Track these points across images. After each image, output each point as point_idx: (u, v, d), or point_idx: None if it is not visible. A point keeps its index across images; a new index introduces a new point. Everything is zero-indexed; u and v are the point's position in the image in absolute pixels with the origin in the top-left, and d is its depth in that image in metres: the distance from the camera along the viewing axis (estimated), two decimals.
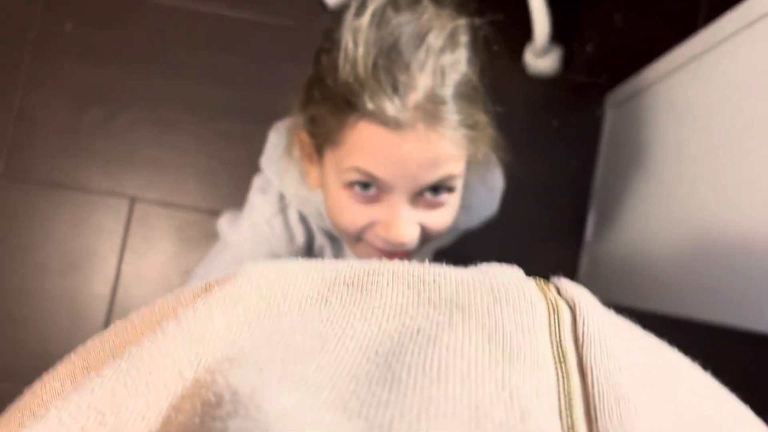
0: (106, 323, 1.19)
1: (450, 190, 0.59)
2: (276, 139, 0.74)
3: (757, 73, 0.75)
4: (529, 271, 0.98)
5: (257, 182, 0.76)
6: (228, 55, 1.23)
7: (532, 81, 1.23)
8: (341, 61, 0.54)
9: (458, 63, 0.56)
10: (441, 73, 0.54)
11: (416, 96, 0.53)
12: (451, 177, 0.57)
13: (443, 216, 0.60)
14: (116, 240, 1.20)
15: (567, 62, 1.23)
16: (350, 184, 0.57)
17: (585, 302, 0.23)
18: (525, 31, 1.20)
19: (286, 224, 0.72)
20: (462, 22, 0.58)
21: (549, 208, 1.22)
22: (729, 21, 0.81)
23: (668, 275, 0.90)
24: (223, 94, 1.22)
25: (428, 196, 0.58)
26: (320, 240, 0.74)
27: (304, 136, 0.63)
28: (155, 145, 1.22)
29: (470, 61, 0.57)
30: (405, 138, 0.53)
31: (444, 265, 0.26)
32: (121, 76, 1.22)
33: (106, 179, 1.21)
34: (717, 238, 0.79)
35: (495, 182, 0.80)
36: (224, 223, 0.78)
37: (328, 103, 0.56)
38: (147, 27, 1.23)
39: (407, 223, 0.57)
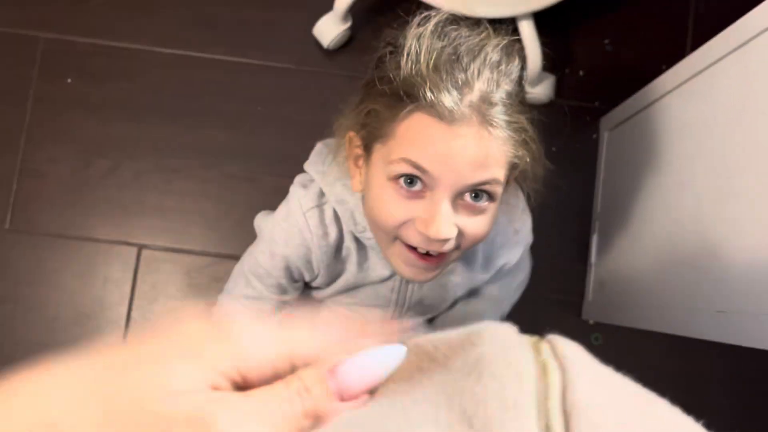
0: None
1: (491, 197, 0.61)
2: (321, 148, 0.78)
3: (745, 92, 0.77)
4: (538, 299, 1.01)
5: (299, 178, 0.78)
6: (228, 100, 1.25)
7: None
8: (404, 59, 0.58)
9: (510, 75, 0.59)
10: (495, 80, 0.58)
11: (471, 96, 0.56)
12: (494, 181, 0.59)
13: (481, 223, 0.62)
14: (125, 288, 1.21)
15: (561, 89, 1.26)
16: (396, 178, 0.59)
17: (577, 365, 0.23)
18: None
19: (321, 219, 0.74)
20: (516, 41, 0.63)
21: (553, 233, 1.24)
22: (718, 43, 0.84)
23: (671, 294, 0.92)
24: (226, 138, 1.25)
25: (469, 199, 0.60)
26: (348, 244, 0.76)
27: (354, 135, 0.66)
28: (161, 193, 1.23)
29: (520, 77, 0.61)
30: (457, 132, 0.56)
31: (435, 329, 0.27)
32: (123, 127, 1.24)
33: (113, 229, 1.22)
34: (716, 255, 0.80)
35: (522, 227, 0.83)
36: (260, 217, 0.82)
37: (386, 97, 0.59)
38: (147, 76, 1.26)
39: (447, 219, 0.59)
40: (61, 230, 1.22)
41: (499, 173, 0.59)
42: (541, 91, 1.21)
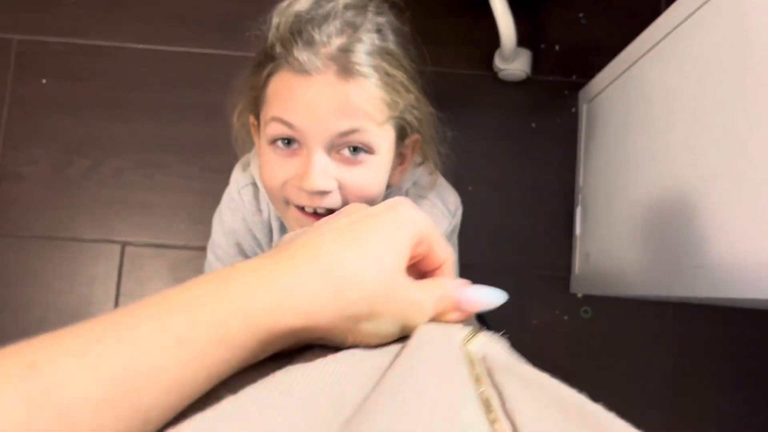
0: None
1: (369, 150, 0.62)
2: None
3: (713, 49, 0.78)
4: (526, 275, 1.01)
5: (242, 159, 0.81)
6: (206, 93, 1.26)
7: (506, 86, 1.26)
8: (270, 29, 0.63)
9: (369, 27, 0.62)
10: (352, 32, 0.60)
11: (328, 49, 0.59)
12: (363, 131, 0.60)
13: (363, 175, 0.63)
14: (111, 286, 1.21)
15: (537, 64, 1.27)
16: (273, 141, 0.62)
17: (511, 387, 0.25)
18: (493, 38, 1.23)
19: (255, 195, 0.77)
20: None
21: (538, 209, 1.24)
22: (684, 3, 0.84)
23: (652, 257, 0.92)
24: (205, 131, 1.25)
25: (346, 153, 0.61)
26: (273, 222, 0.79)
27: (252, 118, 0.70)
28: (143, 189, 1.24)
29: (384, 30, 0.64)
30: (313, 82, 0.58)
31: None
32: (102, 125, 1.25)
33: (96, 227, 1.23)
34: (692, 212, 0.80)
35: (437, 200, 0.81)
36: (234, 170, 0.84)
37: (256, 66, 0.64)
38: (122, 73, 1.26)
39: (320, 170, 0.60)
40: (44, 231, 1.22)
41: (368, 122, 0.60)
42: (517, 66, 1.22)
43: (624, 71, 1.05)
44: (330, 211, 0.63)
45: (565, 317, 1.21)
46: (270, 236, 0.79)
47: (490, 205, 1.24)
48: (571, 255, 1.22)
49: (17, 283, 1.21)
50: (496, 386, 0.25)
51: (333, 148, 0.61)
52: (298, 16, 0.60)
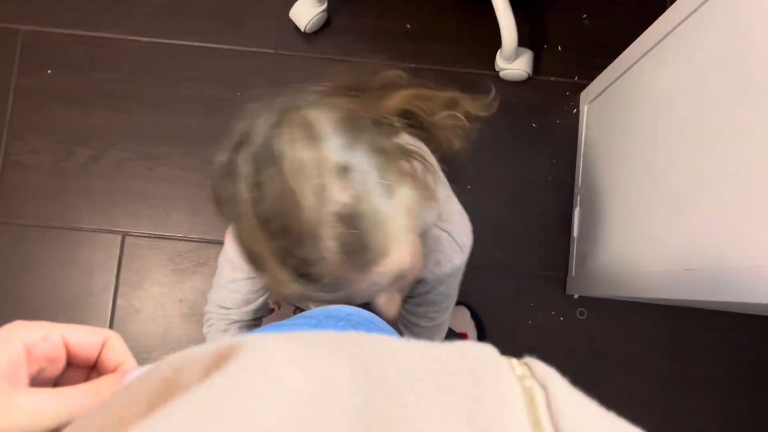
0: None
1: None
2: None
3: (710, 51, 0.78)
4: (522, 276, 1.02)
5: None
6: (207, 86, 1.27)
7: (507, 85, 1.27)
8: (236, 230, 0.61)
9: (357, 190, 0.56)
10: (344, 220, 0.55)
11: (327, 267, 0.56)
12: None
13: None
14: (110, 276, 1.23)
15: (539, 65, 1.27)
16: None
17: (557, 383, 0.25)
18: (494, 39, 1.24)
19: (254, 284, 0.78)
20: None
21: (536, 210, 1.25)
22: (684, 3, 0.85)
23: (646, 259, 0.92)
24: (206, 124, 1.26)
25: None
26: None
27: None
28: (143, 180, 1.25)
29: (369, 177, 0.56)
30: None
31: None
32: (104, 116, 1.26)
33: (96, 217, 1.24)
34: (686, 214, 0.81)
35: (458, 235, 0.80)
36: (227, 235, 0.82)
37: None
38: (126, 65, 1.27)
39: None
40: (45, 221, 1.24)
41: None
42: (518, 66, 1.22)
43: (624, 72, 1.06)
44: None
45: (561, 318, 1.21)
46: None
47: (488, 204, 1.25)
48: (568, 256, 1.22)
49: (17, 273, 1.23)
50: (540, 383, 0.25)
51: None
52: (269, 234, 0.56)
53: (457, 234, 0.78)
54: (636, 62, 1.02)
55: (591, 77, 1.25)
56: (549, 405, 0.23)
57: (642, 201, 0.97)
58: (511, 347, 1.20)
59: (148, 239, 1.24)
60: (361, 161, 0.54)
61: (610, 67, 1.13)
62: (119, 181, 1.25)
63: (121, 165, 1.26)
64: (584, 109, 1.23)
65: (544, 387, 0.24)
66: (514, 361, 0.27)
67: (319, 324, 0.57)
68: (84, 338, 0.34)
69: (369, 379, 0.24)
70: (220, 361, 0.23)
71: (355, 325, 0.57)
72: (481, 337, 1.18)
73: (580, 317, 1.21)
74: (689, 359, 1.20)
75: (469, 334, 1.17)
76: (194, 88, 1.27)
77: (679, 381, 1.20)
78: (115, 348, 0.35)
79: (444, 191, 0.80)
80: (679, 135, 0.87)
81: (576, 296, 1.21)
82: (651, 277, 0.89)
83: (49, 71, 1.26)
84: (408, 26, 1.29)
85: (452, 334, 1.15)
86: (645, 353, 1.20)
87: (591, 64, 1.27)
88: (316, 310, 0.59)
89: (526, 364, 0.27)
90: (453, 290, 0.85)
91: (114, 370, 0.35)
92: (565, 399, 0.24)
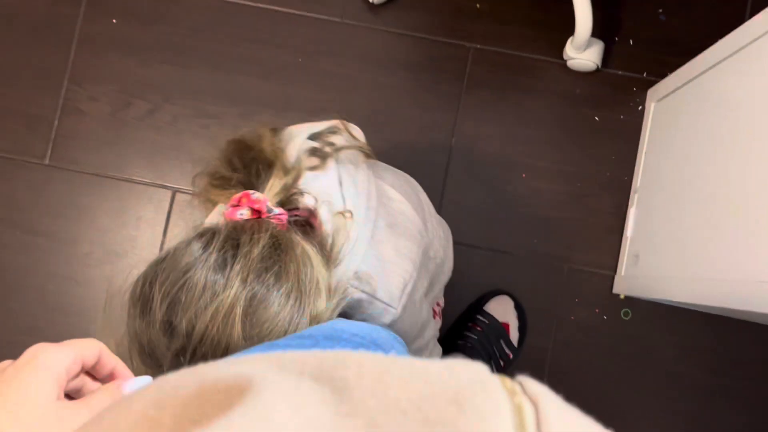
0: None
1: None
2: None
3: None
4: (569, 270, 1.01)
5: None
6: (270, 49, 1.27)
7: (573, 75, 1.25)
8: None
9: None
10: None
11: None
12: None
13: None
14: (158, 230, 1.25)
15: (608, 57, 1.25)
16: None
17: (548, 401, 0.24)
18: (566, 26, 1.22)
19: None
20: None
21: (589, 202, 1.24)
22: None
23: (710, 267, 0.91)
24: (264, 87, 1.26)
25: None
26: None
27: None
28: (197, 138, 1.26)
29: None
30: None
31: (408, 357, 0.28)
32: (164, 70, 1.27)
33: (149, 171, 1.26)
34: (760, 226, 0.80)
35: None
36: None
37: None
38: (191, 21, 1.28)
39: None
40: (98, 169, 1.26)
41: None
42: (588, 56, 1.20)
43: (700, 74, 1.03)
44: None
45: (604, 317, 1.21)
46: None
47: (541, 193, 1.24)
48: (619, 254, 1.21)
49: (67, 217, 1.25)
50: (531, 400, 0.25)
51: None
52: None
53: (382, 291, 0.70)
54: (713, 66, 1.00)
55: (661, 75, 1.23)
56: (538, 422, 0.23)
57: (707, 208, 0.95)
58: (551, 341, 1.20)
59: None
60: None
61: (684, 67, 1.11)
62: (174, 137, 1.26)
63: (177, 120, 1.27)
64: (651, 106, 1.21)
65: (535, 404, 0.24)
66: (506, 379, 0.27)
67: (316, 345, 0.56)
68: (92, 353, 0.42)
69: (354, 418, 0.23)
70: (216, 405, 0.22)
71: (357, 347, 0.57)
72: (523, 328, 1.18)
73: (624, 318, 1.20)
74: (731, 371, 1.19)
75: (511, 324, 1.17)
76: (256, 50, 1.27)
77: (718, 392, 1.19)
78: (106, 356, 0.44)
79: (366, 234, 0.70)
80: (754, 144, 0.85)
81: (622, 296, 1.20)
82: (715, 286, 0.88)
83: (114, 20, 1.27)
84: (478, 6, 1.27)
85: (495, 323, 1.15)
86: (686, 360, 1.20)
87: (662, 62, 1.24)
88: (314, 329, 0.59)
89: (518, 383, 0.26)
90: (409, 328, 0.78)
91: (108, 374, 0.45)
92: (557, 416, 0.23)
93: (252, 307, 0.58)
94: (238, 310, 0.57)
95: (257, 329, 0.58)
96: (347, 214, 0.68)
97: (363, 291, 0.69)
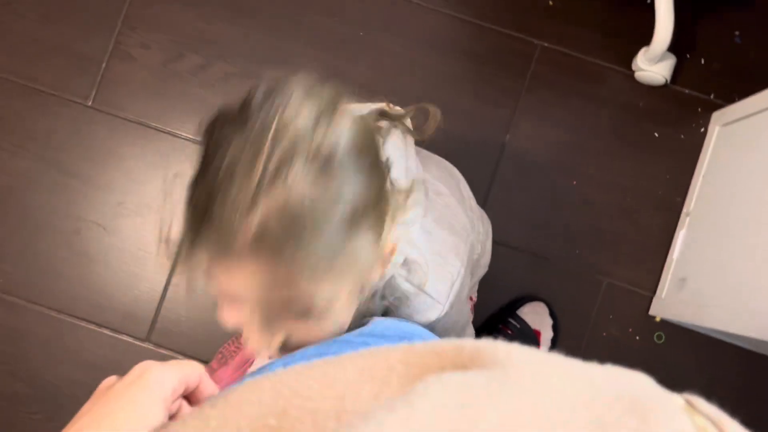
0: (171, 272, 1.21)
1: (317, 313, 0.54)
2: None
3: None
4: (607, 285, 0.99)
5: None
6: (333, 20, 1.24)
7: (639, 87, 1.23)
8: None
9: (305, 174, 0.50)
10: (279, 198, 0.49)
11: (242, 240, 0.50)
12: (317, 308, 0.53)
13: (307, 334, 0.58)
14: None
15: (677, 73, 1.23)
16: None
17: (730, 424, 0.23)
18: (639, 35, 1.19)
19: None
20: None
21: (638, 218, 1.22)
22: None
23: (761, 300, 0.89)
24: (321, 57, 1.24)
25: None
26: None
27: None
28: None
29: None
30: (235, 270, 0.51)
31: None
32: (222, 26, 1.25)
33: (192, 126, 1.24)
34: None
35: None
36: None
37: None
38: None
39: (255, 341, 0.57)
40: (141, 117, 1.24)
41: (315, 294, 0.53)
42: (658, 70, 1.18)
43: None
44: None
45: (637, 337, 1.19)
46: None
47: (590, 203, 1.22)
48: (660, 276, 1.19)
49: (104, 162, 1.23)
50: (711, 419, 0.24)
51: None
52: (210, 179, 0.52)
53: (430, 286, 0.68)
54: None
55: (729, 99, 1.20)
56: None
57: (763, 241, 0.93)
58: (580, 354, 1.19)
59: None
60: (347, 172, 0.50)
61: (756, 95, 1.08)
62: (222, 95, 1.24)
63: (228, 79, 1.25)
64: (714, 130, 1.19)
65: (719, 427, 0.23)
66: (675, 395, 0.26)
67: (366, 343, 0.55)
68: (195, 376, 0.42)
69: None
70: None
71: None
72: (555, 339, 1.16)
73: (657, 341, 1.19)
74: (760, 408, 1.18)
75: (543, 333, 1.15)
76: (318, 19, 1.25)
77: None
78: (205, 381, 0.43)
79: (419, 219, 0.66)
80: None
81: (658, 318, 1.18)
82: (759, 318, 0.86)
83: None
84: (551, 3, 1.24)
85: (527, 330, 1.14)
86: (715, 391, 1.18)
87: (733, 86, 1.22)
88: (349, 335, 0.56)
89: (687, 401, 0.25)
90: (451, 327, 0.75)
91: (205, 400, 0.43)
92: None
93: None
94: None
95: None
96: (408, 191, 0.64)
97: (411, 283, 0.66)
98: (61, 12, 1.25)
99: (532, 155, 1.23)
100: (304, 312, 0.53)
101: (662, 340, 1.19)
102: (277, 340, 0.57)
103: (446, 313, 0.70)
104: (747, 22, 1.24)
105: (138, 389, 0.38)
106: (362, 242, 0.53)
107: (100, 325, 1.20)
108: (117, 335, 1.20)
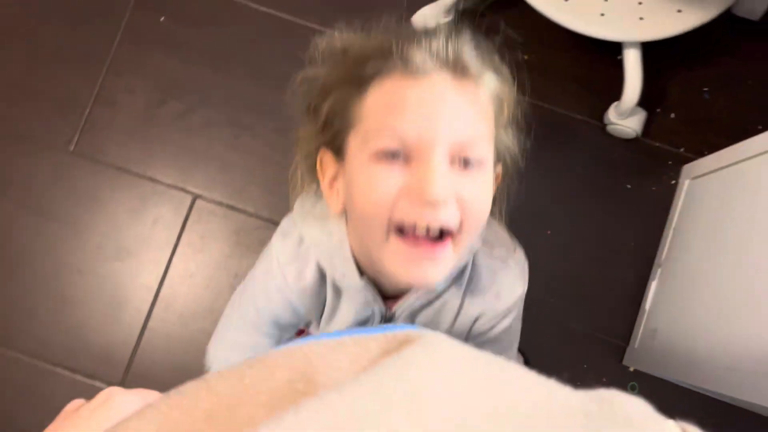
0: (148, 317, 1.22)
1: (479, 165, 0.56)
2: (305, 195, 0.75)
3: None
4: (581, 335, 0.99)
5: (282, 225, 0.75)
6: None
7: (612, 140, 1.27)
8: (353, 37, 0.62)
9: (474, 41, 0.59)
10: (457, 38, 0.57)
11: (440, 49, 0.55)
12: (480, 141, 0.56)
13: (479, 189, 0.57)
14: (173, 233, 1.24)
15: (648, 127, 1.27)
16: (378, 155, 0.55)
17: None
18: (610, 89, 1.23)
19: (300, 273, 0.70)
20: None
21: (611, 269, 1.24)
22: None
23: (732, 356, 0.91)
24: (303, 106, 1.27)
25: (459, 166, 0.55)
26: (330, 300, 0.72)
27: (324, 152, 0.64)
28: (227, 147, 1.27)
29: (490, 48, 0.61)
30: (430, 85, 0.54)
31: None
32: (204, 74, 1.28)
33: (173, 172, 1.26)
34: None
35: (508, 258, 0.75)
36: (273, 237, 0.76)
37: (347, 82, 0.59)
38: (238, 29, 1.29)
39: (442, 175, 0.53)
40: (122, 163, 1.26)
41: (484, 131, 0.57)
42: (629, 124, 1.22)
43: (743, 160, 1.05)
44: (440, 236, 0.56)
45: (611, 387, 1.20)
46: (319, 306, 0.74)
47: (564, 254, 1.24)
48: (633, 326, 1.21)
49: (84, 207, 1.25)
50: None
51: (449, 156, 0.55)
52: (389, 30, 0.59)
53: (513, 259, 0.73)
54: (755, 156, 1.01)
55: (699, 152, 1.24)
56: None
57: (734, 296, 0.95)
58: None
59: (219, 207, 1.25)
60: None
61: (725, 150, 1.12)
62: (203, 142, 1.27)
63: (209, 125, 1.28)
64: (685, 183, 1.22)
65: None
66: (670, 422, 0.27)
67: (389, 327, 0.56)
68: None
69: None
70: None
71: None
72: None
73: (631, 391, 1.20)
74: None
75: None
76: (298, 69, 1.28)
77: None
78: None
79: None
80: None
81: (632, 369, 1.20)
82: (736, 377, 0.88)
83: (162, 18, 1.29)
84: (526, 57, 1.28)
85: None
86: None
87: (701, 140, 1.26)
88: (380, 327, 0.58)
89: (680, 425, 0.26)
90: (517, 323, 0.80)
91: None
92: None
93: None
94: None
95: None
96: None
97: (496, 257, 0.72)
98: (47, 58, 1.29)
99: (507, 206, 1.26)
100: (474, 156, 0.56)
101: (636, 390, 1.20)
102: (452, 190, 0.55)
103: (522, 296, 0.75)
104: (714, 79, 1.29)
105: (103, 414, 0.40)
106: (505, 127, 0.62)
107: (74, 371, 1.20)
108: (90, 381, 1.20)
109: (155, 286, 1.24)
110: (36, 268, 1.23)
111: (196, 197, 1.26)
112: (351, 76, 0.58)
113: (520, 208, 1.25)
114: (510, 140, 0.65)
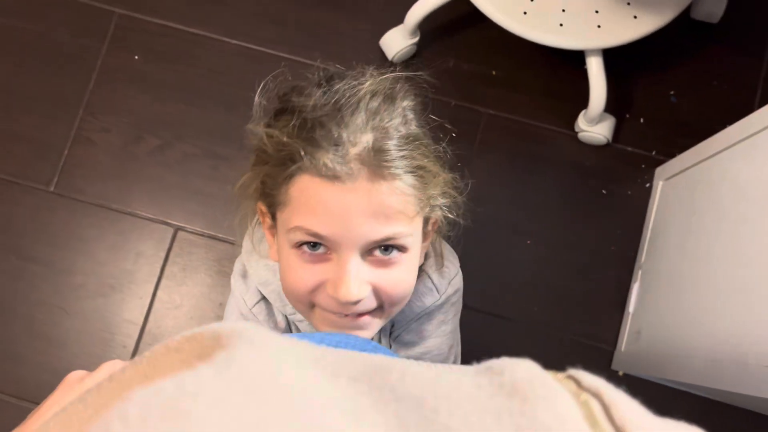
0: (135, 351, 1.24)
1: (401, 249, 0.60)
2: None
3: None
4: (568, 342, 1.02)
5: (236, 266, 0.79)
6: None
7: (584, 147, 1.30)
8: (285, 120, 0.61)
9: (396, 118, 0.60)
10: (381, 129, 0.58)
11: (356, 149, 0.56)
12: (400, 235, 0.58)
13: (398, 276, 0.61)
14: (156, 267, 1.27)
15: (619, 133, 1.30)
16: (298, 245, 0.59)
17: (612, 393, 0.25)
18: (579, 99, 1.27)
19: (269, 311, 0.75)
20: (399, 80, 0.65)
21: (593, 274, 1.26)
22: None
23: (716, 349, 0.93)
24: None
25: (378, 254, 0.59)
26: (283, 327, 0.77)
27: (261, 204, 0.67)
28: (205, 179, 1.30)
29: (407, 114, 0.62)
30: (348, 190, 0.56)
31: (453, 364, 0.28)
32: (179, 108, 1.32)
33: (153, 206, 1.29)
34: (765, 311, 0.82)
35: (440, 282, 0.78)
36: (233, 281, 0.80)
37: (274, 161, 0.61)
38: (210, 63, 1.33)
39: (355, 278, 0.58)
40: (102, 200, 1.29)
41: (405, 225, 0.59)
42: (599, 131, 1.25)
43: (708, 158, 1.08)
44: (361, 315, 0.63)
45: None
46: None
47: (545, 262, 1.27)
48: (619, 330, 1.23)
49: (65, 246, 1.27)
50: (595, 394, 0.25)
51: (365, 252, 0.59)
52: (316, 109, 0.59)
53: (436, 275, 0.75)
54: (722, 151, 1.05)
55: (669, 154, 1.28)
56: (610, 417, 0.23)
57: (714, 289, 0.98)
58: None
59: (201, 237, 1.28)
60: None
61: (693, 149, 1.15)
62: (181, 175, 1.30)
63: (186, 159, 1.31)
64: (658, 185, 1.25)
65: (599, 398, 0.24)
66: (559, 375, 0.27)
67: (323, 340, 0.58)
68: None
69: (399, 402, 0.24)
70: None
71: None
72: None
73: None
74: None
75: None
76: (273, 99, 1.32)
77: None
78: None
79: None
80: (760, 229, 0.88)
81: (621, 373, 1.21)
82: (721, 369, 0.90)
83: (136, 56, 1.33)
84: (494, 72, 1.33)
85: None
86: None
87: (671, 142, 1.29)
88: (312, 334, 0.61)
89: (571, 377, 0.27)
90: (447, 327, 0.81)
91: None
92: (626, 408, 0.23)
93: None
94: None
95: None
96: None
97: (421, 267, 0.74)
98: (23, 101, 1.32)
99: (486, 217, 1.28)
100: (394, 246, 0.59)
101: None
102: (367, 288, 0.60)
103: (432, 313, 0.77)
104: (680, 83, 1.33)
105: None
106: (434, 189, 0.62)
107: None
108: None
109: (140, 321, 1.25)
110: (17, 310, 1.25)
111: (177, 229, 1.28)
112: (278, 156, 0.60)
113: (500, 220, 1.28)
114: (444, 185, 0.65)
